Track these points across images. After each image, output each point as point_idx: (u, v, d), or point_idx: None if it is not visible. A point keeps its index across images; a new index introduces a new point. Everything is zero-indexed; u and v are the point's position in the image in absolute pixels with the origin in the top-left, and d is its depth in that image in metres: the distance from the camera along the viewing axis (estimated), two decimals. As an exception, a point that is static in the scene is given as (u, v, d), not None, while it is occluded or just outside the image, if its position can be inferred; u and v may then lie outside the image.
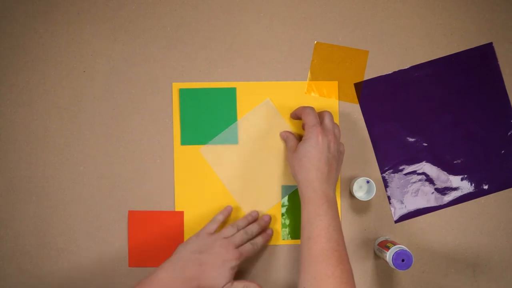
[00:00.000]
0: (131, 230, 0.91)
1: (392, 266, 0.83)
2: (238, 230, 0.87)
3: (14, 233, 0.90)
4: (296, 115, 0.89)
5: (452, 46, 0.93)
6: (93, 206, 0.91)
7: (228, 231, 0.86)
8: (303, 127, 0.89)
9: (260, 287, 0.83)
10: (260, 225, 0.89)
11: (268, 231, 0.90)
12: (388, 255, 0.84)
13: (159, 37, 0.91)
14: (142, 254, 0.91)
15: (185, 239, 0.91)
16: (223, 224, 0.90)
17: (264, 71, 0.92)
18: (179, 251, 0.83)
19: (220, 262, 0.81)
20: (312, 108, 0.85)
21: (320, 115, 0.86)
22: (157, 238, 0.91)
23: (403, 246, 0.84)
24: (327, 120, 0.84)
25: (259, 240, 0.88)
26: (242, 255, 0.84)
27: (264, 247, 0.92)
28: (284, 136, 0.91)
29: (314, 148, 0.81)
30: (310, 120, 0.83)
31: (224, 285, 0.81)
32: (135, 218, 0.91)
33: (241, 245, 0.85)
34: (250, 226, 0.88)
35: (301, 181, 0.82)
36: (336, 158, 0.83)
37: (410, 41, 0.93)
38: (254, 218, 0.90)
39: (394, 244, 0.86)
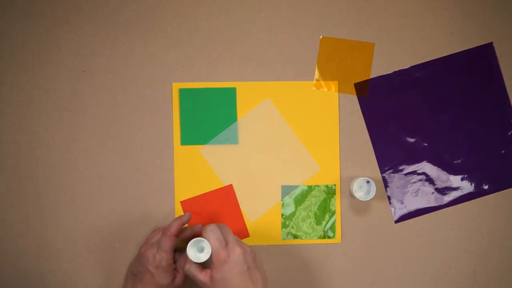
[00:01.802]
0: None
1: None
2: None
3: (14, 233, 0.90)
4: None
5: (452, 46, 0.93)
6: (93, 206, 0.91)
7: (150, 236, 0.87)
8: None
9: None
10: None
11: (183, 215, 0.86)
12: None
13: (159, 37, 0.91)
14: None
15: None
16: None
17: (264, 71, 0.92)
18: (128, 270, 0.87)
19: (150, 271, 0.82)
20: (212, 226, 0.79)
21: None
22: (157, 238, 0.91)
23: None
24: (226, 234, 0.79)
25: (173, 224, 0.83)
26: (161, 254, 0.81)
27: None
28: (187, 269, 0.80)
29: (232, 274, 0.76)
30: (214, 243, 0.77)
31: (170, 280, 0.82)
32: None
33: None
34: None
35: None
36: (254, 265, 0.78)
37: (410, 41, 0.93)
38: None
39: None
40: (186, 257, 0.81)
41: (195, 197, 0.91)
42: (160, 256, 0.81)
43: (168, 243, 0.81)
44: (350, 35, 0.93)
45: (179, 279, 0.84)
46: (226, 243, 0.78)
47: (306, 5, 0.93)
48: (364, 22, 0.93)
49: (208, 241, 0.78)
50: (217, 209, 0.90)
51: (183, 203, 0.91)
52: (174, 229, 0.82)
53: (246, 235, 0.92)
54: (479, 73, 0.93)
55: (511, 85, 0.94)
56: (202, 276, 0.78)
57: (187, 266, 0.80)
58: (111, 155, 0.91)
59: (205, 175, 0.92)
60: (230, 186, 0.91)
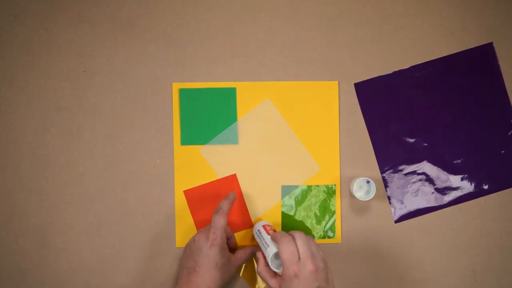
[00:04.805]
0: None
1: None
2: None
3: (14, 233, 0.90)
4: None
5: (452, 46, 0.93)
6: (93, 206, 0.91)
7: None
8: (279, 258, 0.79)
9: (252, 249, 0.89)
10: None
11: (229, 195, 0.89)
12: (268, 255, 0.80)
13: (159, 37, 0.91)
14: (142, 254, 0.91)
15: (181, 240, 0.91)
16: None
17: (264, 71, 0.92)
18: (180, 269, 0.85)
19: (204, 252, 0.82)
20: (288, 237, 0.77)
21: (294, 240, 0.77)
22: (157, 238, 0.91)
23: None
24: (302, 248, 0.76)
25: (224, 204, 0.86)
26: (215, 232, 0.82)
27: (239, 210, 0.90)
28: (259, 271, 0.81)
29: None
30: (286, 256, 0.75)
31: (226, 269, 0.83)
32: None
33: None
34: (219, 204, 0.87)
35: None
36: (325, 284, 0.75)
37: (410, 41, 0.93)
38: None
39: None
40: (259, 258, 0.82)
41: (198, 186, 0.91)
42: (215, 234, 0.82)
43: (222, 221, 0.83)
44: (350, 35, 0.93)
45: (235, 258, 0.86)
46: (299, 258, 0.75)
47: (306, 5, 0.93)
48: (364, 22, 0.93)
49: (281, 253, 0.75)
50: (221, 199, 0.90)
51: (186, 192, 0.91)
52: (226, 207, 0.85)
53: (250, 225, 0.92)
54: (479, 73, 0.93)
55: (511, 85, 0.94)
56: (272, 282, 0.79)
57: (259, 268, 0.80)
58: (111, 155, 0.91)
59: (205, 175, 0.92)
60: (234, 176, 0.91)
